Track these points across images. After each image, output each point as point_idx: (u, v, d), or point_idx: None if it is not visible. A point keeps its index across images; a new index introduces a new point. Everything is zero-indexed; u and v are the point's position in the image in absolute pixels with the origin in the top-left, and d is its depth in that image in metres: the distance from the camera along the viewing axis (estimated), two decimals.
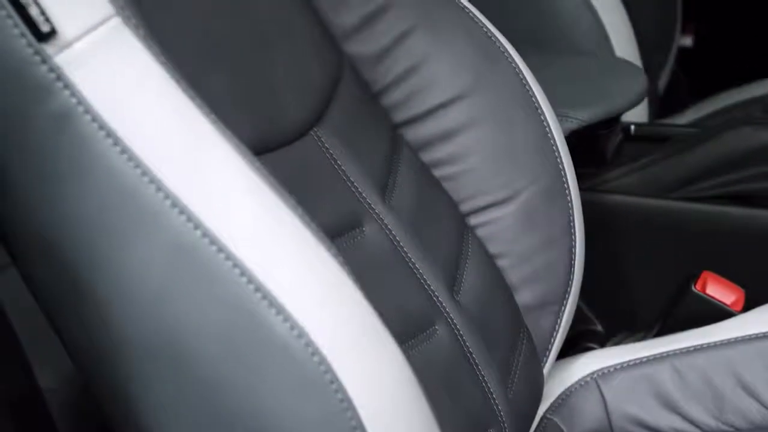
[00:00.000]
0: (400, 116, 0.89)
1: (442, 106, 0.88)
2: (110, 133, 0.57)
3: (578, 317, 0.96)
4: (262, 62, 0.77)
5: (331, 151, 0.81)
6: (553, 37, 1.38)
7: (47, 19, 0.56)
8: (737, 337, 0.94)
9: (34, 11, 0.56)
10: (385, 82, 0.88)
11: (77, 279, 0.60)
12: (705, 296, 1.01)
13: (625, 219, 1.16)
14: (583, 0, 1.37)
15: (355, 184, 0.81)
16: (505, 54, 0.90)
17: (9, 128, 0.59)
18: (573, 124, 1.07)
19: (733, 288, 1.01)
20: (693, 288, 1.01)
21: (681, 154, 1.16)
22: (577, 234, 0.91)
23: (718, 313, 0.99)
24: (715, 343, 0.94)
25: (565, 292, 0.91)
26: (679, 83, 1.76)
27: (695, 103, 1.67)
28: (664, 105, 1.62)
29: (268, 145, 0.74)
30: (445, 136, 0.88)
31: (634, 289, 1.18)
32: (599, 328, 1.15)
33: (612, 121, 1.16)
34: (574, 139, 1.03)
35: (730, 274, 1.03)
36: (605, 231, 1.14)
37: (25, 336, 0.85)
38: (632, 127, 1.26)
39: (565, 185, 0.90)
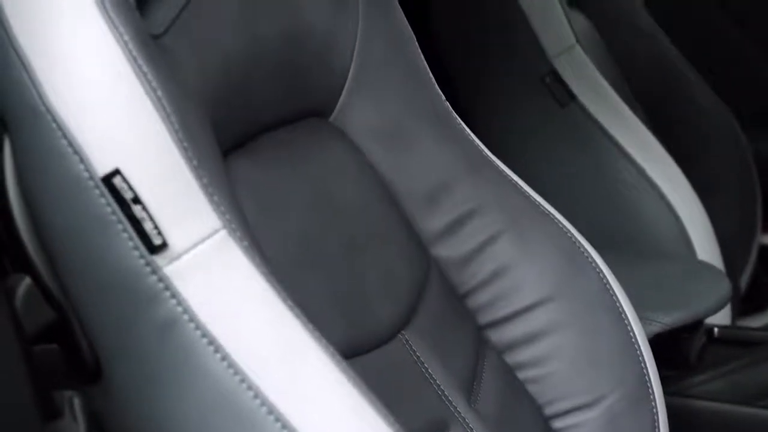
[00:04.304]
0: (485, 318, 0.90)
1: (527, 309, 0.89)
2: (212, 341, 0.60)
3: None
4: (355, 268, 0.80)
5: (418, 354, 0.82)
6: (635, 237, 1.39)
7: (159, 233, 0.59)
8: None
9: (148, 226, 0.59)
10: (471, 285, 0.89)
11: None
12: None
13: (711, 425, 1.14)
14: (665, 201, 1.39)
15: (441, 387, 0.82)
16: (589, 259, 0.91)
17: (117, 331, 0.62)
18: (656, 328, 1.07)
19: None
20: None
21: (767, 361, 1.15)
22: None
23: None
24: None
25: None
26: (761, 281, 1.75)
27: None
28: (746, 303, 1.61)
29: (359, 348, 0.76)
30: (529, 339, 0.89)
31: None
32: None
33: (695, 325, 1.16)
34: (657, 342, 1.03)
35: None
36: None
37: None
38: (715, 329, 1.25)
39: (650, 390, 0.90)
